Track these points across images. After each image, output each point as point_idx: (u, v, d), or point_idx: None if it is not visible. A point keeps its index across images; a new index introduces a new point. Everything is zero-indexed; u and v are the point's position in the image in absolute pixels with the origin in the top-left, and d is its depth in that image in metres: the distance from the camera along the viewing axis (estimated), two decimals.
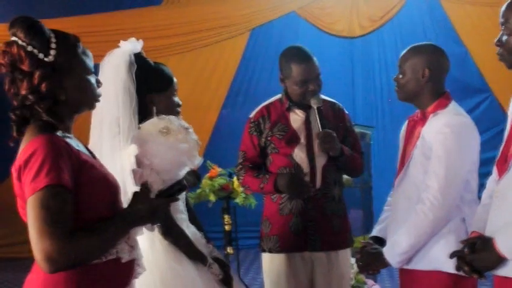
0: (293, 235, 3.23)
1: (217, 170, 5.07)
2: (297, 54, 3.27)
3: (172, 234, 2.59)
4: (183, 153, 2.47)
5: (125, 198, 2.06)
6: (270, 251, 3.29)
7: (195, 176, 2.26)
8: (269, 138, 3.29)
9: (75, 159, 1.82)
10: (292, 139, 3.26)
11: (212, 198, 4.98)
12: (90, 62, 1.98)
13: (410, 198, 2.71)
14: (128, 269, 1.98)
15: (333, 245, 3.29)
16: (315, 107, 3.17)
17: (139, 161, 2.43)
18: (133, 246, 2.00)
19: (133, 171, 2.38)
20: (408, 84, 2.77)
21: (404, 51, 2.84)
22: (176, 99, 2.80)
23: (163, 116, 2.55)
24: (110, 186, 1.96)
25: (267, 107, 3.35)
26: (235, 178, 4.77)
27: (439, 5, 7.63)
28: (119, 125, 2.54)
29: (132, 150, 2.47)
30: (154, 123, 2.51)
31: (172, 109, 2.77)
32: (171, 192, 2.10)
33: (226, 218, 5.00)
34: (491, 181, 2.51)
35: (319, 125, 3.16)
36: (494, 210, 2.33)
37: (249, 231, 6.76)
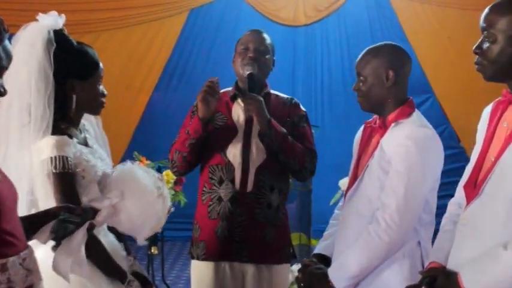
0: (219, 241, 3.00)
1: (145, 162, 4.66)
2: (252, 29, 3.19)
3: (87, 245, 2.18)
4: (154, 217, 2.24)
5: (32, 198, 1.96)
6: (198, 258, 3.08)
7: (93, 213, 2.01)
8: (207, 128, 3.02)
9: None
10: (227, 132, 3.02)
11: None
12: None
13: (363, 215, 2.48)
14: None
15: (264, 258, 3.02)
16: (246, 73, 2.98)
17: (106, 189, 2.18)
18: (31, 270, 1.67)
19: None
20: (371, 92, 2.54)
21: (361, 55, 2.60)
22: (101, 87, 2.46)
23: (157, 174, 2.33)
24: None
25: None
26: (164, 173, 4.42)
27: (387, 1, 7.53)
28: (30, 113, 2.25)
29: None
30: (151, 175, 2.30)
31: (95, 99, 2.44)
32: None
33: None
34: (453, 204, 2.28)
35: (247, 89, 2.97)
36: (460, 239, 2.09)
37: (175, 223, 6.46)
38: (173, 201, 4.58)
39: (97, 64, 2.42)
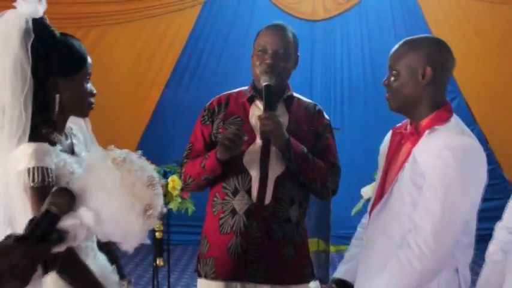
0: (231, 259, 2.73)
1: None
2: (271, 24, 2.87)
3: (71, 271, 1.98)
4: (137, 232, 1.77)
5: (4, 214, 1.81)
6: (206, 277, 2.81)
7: (68, 196, 1.58)
8: (219, 130, 2.78)
9: None
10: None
11: None
12: None
13: (391, 237, 2.22)
14: None
15: (281, 278, 2.77)
16: (263, 84, 2.71)
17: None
18: None
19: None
20: (404, 89, 2.25)
21: (396, 46, 2.32)
22: (89, 86, 2.17)
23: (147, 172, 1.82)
24: None
25: (228, 95, 2.91)
26: (170, 178, 4.10)
27: None
28: (3, 116, 1.97)
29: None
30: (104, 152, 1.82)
31: (82, 99, 2.15)
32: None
33: (157, 223, 4.27)
34: (502, 228, 2.03)
35: (263, 106, 2.70)
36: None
37: (182, 226, 6.29)
38: (180, 209, 4.27)
39: (84, 59, 2.13)
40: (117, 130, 6.92)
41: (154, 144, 6.58)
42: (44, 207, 1.52)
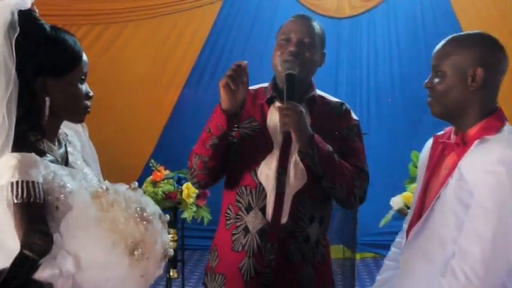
0: (242, 281, 2.45)
1: (163, 172, 4.06)
2: (296, 14, 2.60)
3: None
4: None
5: None
6: None
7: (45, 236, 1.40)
8: (233, 133, 2.47)
9: None
10: (260, 145, 2.44)
11: None
12: None
13: (432, 261, 2.00)
14: None
15: None
16: (285, 72, 2.41)
17: None
18: None
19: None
20: (450, 92, 2.01)
21: (442, 43, 2.07)
22: (85, 87, 1.90)
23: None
24: None
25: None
26: (185, 185, 3.83)
27: None
28: None
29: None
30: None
31: (76, 102, 1.88)
32: None
33: (172, 233, 4.02)
34: None
35: (285, 95, 2.38)
36: None
37: (199, 230, 5.95)
38: (196, 217, 4.00)
39: (78, 56, 1.86)
40: (131, 134, 6.77)
41: (172, 149, 6.32)
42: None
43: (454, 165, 1.98)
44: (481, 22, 6.78)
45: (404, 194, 3.94)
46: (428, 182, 2.09)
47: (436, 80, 2.02)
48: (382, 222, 3.99)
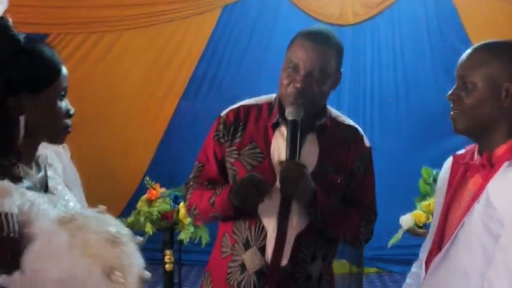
0: None
1: (158, 190, 3.84)
2: (311, 30, 2.31)
3: None
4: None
5: None
6: None
7: None
8: (232, 161, 2.29)
9: None
10: (262, 176, 2.21)
11: (149, 229, 3.73)
12: None
13: None
14: None
15: None
16: (288, 118, 2.20)
17: None
18: None
19: None
20: (479, 107, 1.80)
21: (471, 52, 1.87)
22: (64, 104, 1.70)
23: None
24: None
25: (247, 107, 2.38)
26: (182, 204, 3.62)
27: None
28: None
29: None
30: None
31: (54, 121, 1.68)
32: None
33: (168, 254, 3.81)
34: None
35: (287, 150, 2.19)
36: None
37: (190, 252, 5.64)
38: (193, 237, 3.78)
39: (56, 69, 1.66)
40: (126, 147, 6.60)
41: (168, 164, 6.17)
42: None
43: (480, 189, 1.78)
44: (489, 30, 6.53)
45: (415, 212, 3.74)
46: (449, 207, 1.89)
47: (463, 93, 1.82)
48: (391, 242, 3.79)
